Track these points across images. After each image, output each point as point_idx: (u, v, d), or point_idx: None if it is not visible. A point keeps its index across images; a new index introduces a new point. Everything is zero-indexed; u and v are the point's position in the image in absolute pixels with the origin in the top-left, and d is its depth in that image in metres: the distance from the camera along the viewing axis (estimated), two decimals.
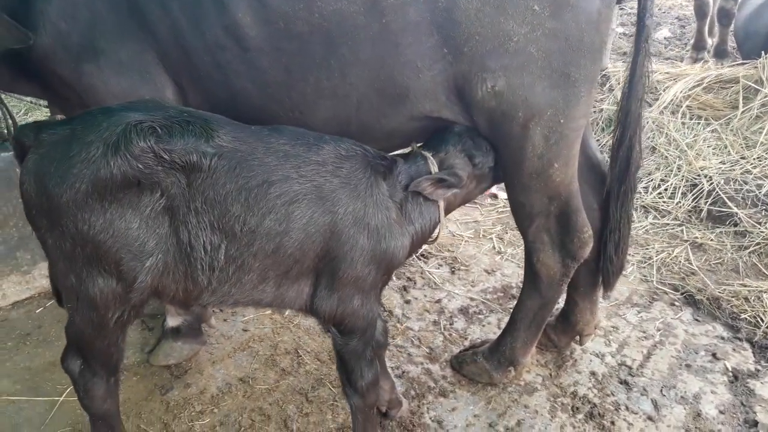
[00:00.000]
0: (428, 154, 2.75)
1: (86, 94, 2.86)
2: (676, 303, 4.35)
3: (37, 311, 4.00)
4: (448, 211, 2.87)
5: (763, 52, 6.08)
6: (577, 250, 3.00)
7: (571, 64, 2.61)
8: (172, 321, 3.48)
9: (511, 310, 4.09)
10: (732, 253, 4.77)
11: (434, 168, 2.70)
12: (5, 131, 3.23)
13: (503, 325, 3.98)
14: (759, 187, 5.10)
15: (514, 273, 4.64)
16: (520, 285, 4.43)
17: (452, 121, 2.81)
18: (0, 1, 2.72)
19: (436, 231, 2.82)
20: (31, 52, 2.80)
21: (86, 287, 2.26)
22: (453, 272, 4.61)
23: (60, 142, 2.18)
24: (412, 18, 2.53)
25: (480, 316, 4.12)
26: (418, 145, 2.91)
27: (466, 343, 3.84)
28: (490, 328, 4.01)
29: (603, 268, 3.35)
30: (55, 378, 3.40)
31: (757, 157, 5.31)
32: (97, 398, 2.53)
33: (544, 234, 3.01)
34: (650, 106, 6.03)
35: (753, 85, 5.77)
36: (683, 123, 5.79)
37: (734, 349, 3.88)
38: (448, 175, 2.67)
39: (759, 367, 3.73)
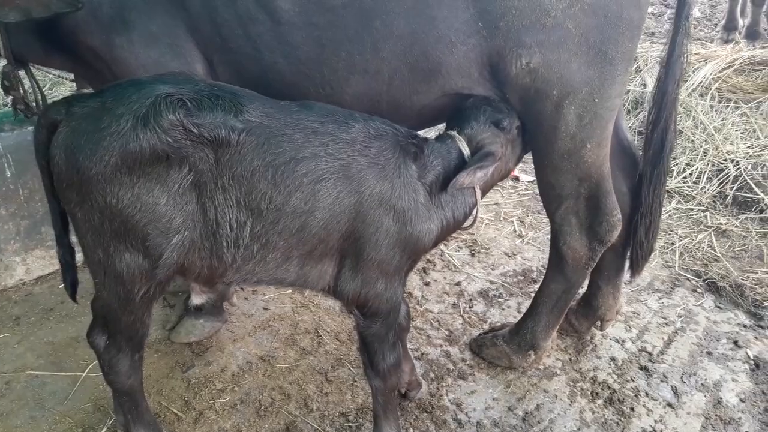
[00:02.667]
0: (454, 133, 2.68)
1: (117, 67, 2.83)
2: (698, 289, 4.28)
3: (60, 286, 3.98)
4: (487, 188, 2.82)
5: None
6: (605, 233, 2.94)
7: (608, 41, 2.54)
8: (197, 299, 3.46)
9: (532, 294, 4.12)
10: (757, 240, 4.68)
11: (463, 146, 2.63)
12: (34, 105, 3.19)
13: (523, 309, 3.97)
14: None
15: (534, 257, 4.58)
16: (541, 269, 4.45)
17: None
18: None
19: (473, 214, 2.75)
20: (64, 23, 2.76)
21: (113, 262, 2.24)
22: (473, 255, 4.57)
23: (90, 115, 2.15)
24: None
25: (500, 300, 4.08)
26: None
27: (486, 326, 3.80)
28: (509, 312, 3.97)
29: (632, 252, 3.31)
30: (78, 353, 3.40)
31: None
32: (122, 374, 2.52)
33: (572, 216, 2.95)
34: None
35: None
36: (711, 106, 5.66)
37: (756, 337, 3.82)
38: (482, 159, 2.58)
39: None
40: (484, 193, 2.79)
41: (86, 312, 3.66)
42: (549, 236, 4.78)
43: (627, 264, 3.42)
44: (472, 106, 2.73)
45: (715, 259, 4.53)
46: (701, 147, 5.36)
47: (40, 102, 3.18)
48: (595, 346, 3.69)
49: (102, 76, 3.03)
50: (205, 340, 3.55)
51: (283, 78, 2.78)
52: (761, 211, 4.89)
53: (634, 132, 5.70)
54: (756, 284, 4.22)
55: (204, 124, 2.14)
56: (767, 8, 7.41)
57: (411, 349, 3.51)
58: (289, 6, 2.57)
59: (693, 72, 5.98)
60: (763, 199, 4.89)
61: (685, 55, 2.93)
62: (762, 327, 3.91)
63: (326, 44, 2.64)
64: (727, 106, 5.66)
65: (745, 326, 3.92)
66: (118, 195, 2.13)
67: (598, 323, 3.63)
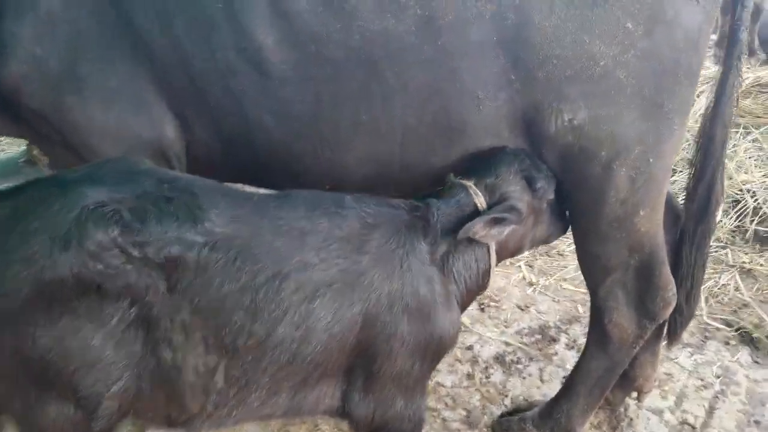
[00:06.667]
0: (469, 183, 2.24)
1: (68, 131, 2.35)
2: (731, 342, 3.91)
3: None
4: (500, 258, 2.37)
5: None
6: (659, 310, 2.53)
7: (664, 91, 2.16)
8: None
9: (554, 357, 3.72)
10: None
11: (479, 199, 2.21)
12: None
13: (545, 376, 3.56)
14: None
15: (550, 309, 4.16)
16: (558, 324, 4.03)
17: None
18: None
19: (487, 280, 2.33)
20: (1, 83, 2.27)
21: (36, 415, 1.74)
22: (482, 310, 4.12)
23: None
24: (475, 38, 2.06)
25: (519, 366, 3.64)
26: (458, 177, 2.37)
27: (507, 401, 3.36)
28: (532, 381, 3.52)
29: (671, 318, 2.88)
30: None
31: None
32: None
33: (619, 290, 2.53)
34: None
35: None
36: None
37: None
38: (505, 211, 2.16)
39: None
40: (498, 258, 2.35)
41: None
42: (561, 283, 4.49)
43: (665, 330, 3.02)
44: (504, 153, 2.29)
45: (744, 305, 4.17)
46: None
47: None
48: (631, 420, 3.27)
49: (51, 139, 2.54)
50: None
51: (271, 138, 2.33)
52: None
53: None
54: None
55: (149, 242, 1.66)
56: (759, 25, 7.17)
57: None
58: (280, 57, 2.12)
59: (696, 97, 5.65)
60: None
61: (737, 97, 2.55)
62: None
63: (325, 100, 2.21)
64: (737, 132, 5.34)
65: None
66: (33, 336, 1.64)
67: (634, 394, 3.22)
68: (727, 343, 3.90)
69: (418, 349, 2.02)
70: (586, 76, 2.08)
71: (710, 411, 3.36)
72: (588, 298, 4.28)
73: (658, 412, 3.32)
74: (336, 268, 1.88)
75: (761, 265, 4.48)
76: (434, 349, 2.08)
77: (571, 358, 3.70)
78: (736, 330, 3.97)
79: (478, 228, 2.11)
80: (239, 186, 2.44)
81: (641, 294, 2.51)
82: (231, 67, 2.17)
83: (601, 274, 2.50)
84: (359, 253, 1.93)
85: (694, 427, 3.23)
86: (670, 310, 2.56)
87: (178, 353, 1.73)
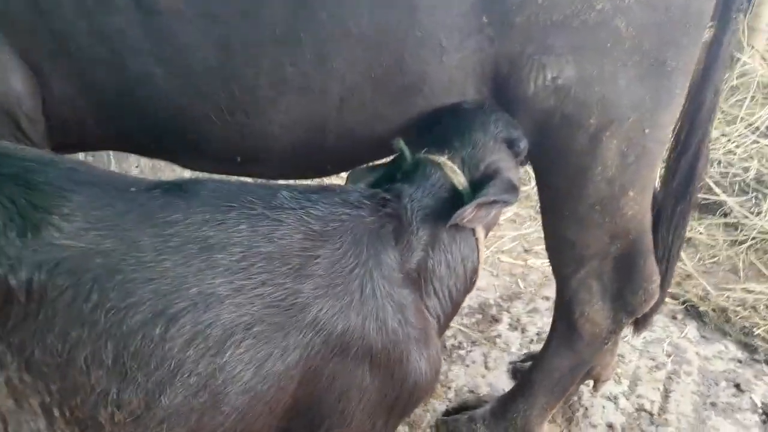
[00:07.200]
0: (442, 159, 1.73)
1: None
2: (678, 316, 3.72)
3: None
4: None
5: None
6: (639, 304, 2.18)
7: (669, 45, 1.76)
8: None
9: (497, 339, 3.38)
10: (726, 250, 4.18)
11: (458, 178, 1.71)
12: None
13: (490, 363, 3.22)
14: (746, 170, 4.52)
15: (488, 286, 3.80)
16: (499, 302, 3.70)
17: None
18: None
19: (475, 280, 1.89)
20: None
21: None
22: None
23: None
24: None
25: (461, 352, 3.27)
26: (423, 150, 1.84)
27: (451, 395, 2.99)
28: (476, 369, 3.17)
29: None
30: None
31: (739, 135, 4.71)
32: None
33: (594, 281, 2.16)
34: None
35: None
36: None
37: (756, 376, 3.30)
38: (506, 190, 1.68)
39: None
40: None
41: None
42: (499, 255, 4.15)
43: None
44: (471, 112, 1.80)
45: (688, 276, 3.98)
46: None
47: None
48: (586, 409, 2.99)
49: None
50: None
51: (165, 99, 1.75)
52: (725, 215, 4.38)
53: None
54: (739, 305, 3.70)
55: None
56: None
57: None
58: None
59: None
60: (725, 202, 4.38)
61: (730, 60, 2.18)
62: (757, 361, 3.39)
63: (236, 47, 1.65)
64: None
65: (740, 362, 3.38)
66: None
67: (591, 383, 2.93)
68: (674, 317, 3.70)
69: (383, 403, 1.53)
70: (579, 24, 1.63)
71: (665, 394, 3.15)
72: (528, 272, 4.06)
73: (613, 398, 3.07)
74: (260, 302, 1.29)
75: (701, 233, 4.31)
76: (405, 401, 1.59)
77: (515, 341, 3.39)
78: (682, 303, 3.79)
79: (468, 212, 1.61)
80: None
81: (621, 286, 2.15)
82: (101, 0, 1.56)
83: (575, 263, 2.11)
84: (298, 278, 1.37)
85: (651, 414, 3.00)
86: (652, 303, 2.21)
87: (8, 426, 1.15)
